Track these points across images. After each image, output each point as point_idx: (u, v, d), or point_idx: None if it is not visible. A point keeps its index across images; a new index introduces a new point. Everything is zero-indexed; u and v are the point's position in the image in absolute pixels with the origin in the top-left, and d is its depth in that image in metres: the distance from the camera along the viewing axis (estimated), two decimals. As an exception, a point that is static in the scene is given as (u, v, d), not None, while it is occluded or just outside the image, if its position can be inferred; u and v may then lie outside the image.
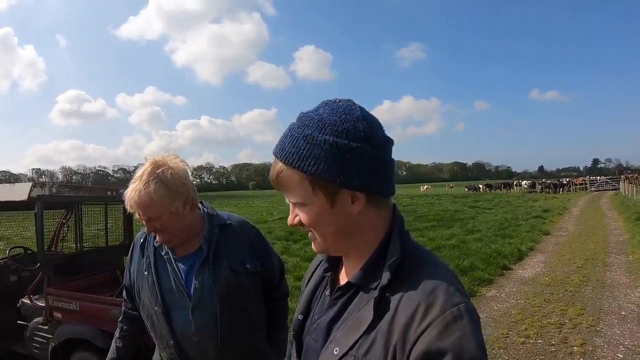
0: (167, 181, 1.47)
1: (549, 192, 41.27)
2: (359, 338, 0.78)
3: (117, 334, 1.85)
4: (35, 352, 3.39)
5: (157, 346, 1.71)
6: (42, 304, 3.32)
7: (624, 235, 11.42)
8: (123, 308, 1.86)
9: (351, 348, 0.78)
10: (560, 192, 41.35)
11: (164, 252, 1.65)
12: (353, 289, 0.85)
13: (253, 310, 1.72)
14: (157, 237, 1.59)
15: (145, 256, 1.67)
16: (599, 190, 42.75)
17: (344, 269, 0.93)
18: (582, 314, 5.15)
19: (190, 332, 1.59)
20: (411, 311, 0.73)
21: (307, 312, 0.97)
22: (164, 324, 1.60)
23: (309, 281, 1.05)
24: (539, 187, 46.20)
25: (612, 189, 41.67)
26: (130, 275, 1.74)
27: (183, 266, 1.63)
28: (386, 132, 0.84)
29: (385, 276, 0.78)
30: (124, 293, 1.84)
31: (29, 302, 3.45)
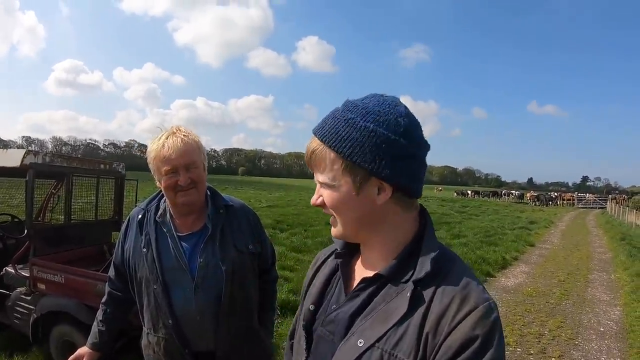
0: (198, 137, 1.59)
1: (536, 205, 41.71)
2: (388, 330, 0.78)
3: (99, 316, 1.77)
4: (15, 322, 3.35)
5: (146, 329, 1.65)
6: (26, 274, 3.28)
7: (608, 253, 11.57)
8: (108, 289, 1.78)
9: (378, 340, 0.78)
10: (549, 206, 41.80)
11: (166, 228, 1.61)
12: (380, 281, 0.84)
13: (252, 290, 1.73)
14: (186, 196, 1.54)
15: (144, 232, 1.63)
16: (586, 208, 43.27)
17: (359, 260, 0.93)
18: (561, 327, 5.22)
19: (191, 312, 1.57)
20: (446, 303, 0.75)
21: (319, 303, 0.96)
22: (164, 303, 1.56)
23: (316, 272, 1.04)
24: (529, 200, 46.61)
25: (599, 208, 42.22)
26: (124, 252, 1.68)
27: (186, 244, 1.61)
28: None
29: (424, 269, 0.79)
30: (112, 272, 1.77)
31: (12, 271, 3.40)
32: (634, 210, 22.58)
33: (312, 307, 0.95)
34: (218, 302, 1.58)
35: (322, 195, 0.85)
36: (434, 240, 0.85)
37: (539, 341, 4.72)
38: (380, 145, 0.78)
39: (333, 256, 1.01)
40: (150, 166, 1.56)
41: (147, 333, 1.64)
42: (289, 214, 15.92)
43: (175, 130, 1.55)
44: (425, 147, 0.84)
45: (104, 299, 1.79)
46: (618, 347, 4.70)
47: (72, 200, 4.08)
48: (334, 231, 0.88)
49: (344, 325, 0.85)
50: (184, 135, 1.53)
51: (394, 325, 0.77)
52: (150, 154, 1.54)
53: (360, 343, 0.79)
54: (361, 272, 0.90)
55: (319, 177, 0.84)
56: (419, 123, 0.84)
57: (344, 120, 0.80)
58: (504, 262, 9.17)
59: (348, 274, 0.93)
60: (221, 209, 1.67)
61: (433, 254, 0.81)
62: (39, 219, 4.20)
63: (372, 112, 0.79)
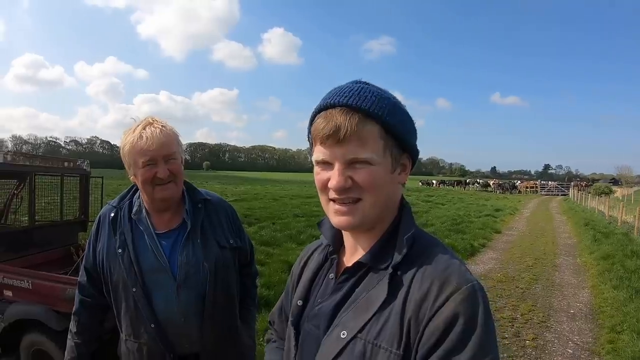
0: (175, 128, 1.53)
1: (500, 193, 43.08)
2: (370, 319, 0.76)
3: (73, 328, 1.62)
4: None
5: (125, 335, 1.54)
6: (-10, 281, 3.08)
7: (572, 239, 12.06)
8: (79, 297, 1.62)
9: (360, 331, 0.76)
10: (512, 193, 43.20)
11: (142, 226, 1.52)
12: (362, 270, 0.83)
13: (234, 287, 1.67)
14: (164, 190, 1.46)
15: (118, 232, 1.52)
16: (549, 195, 44.97)
17: (347, 252, 0.91)
18: (533, 310, 5.39)
19: (174, 313, 1.49)
20: (426, 287, 0.74)
21: (306, 298, 0.94)
22: (145, 306, 1.47)
23: (302, 268, 1.02)
24: (492, 187, 48.03)
25: (561, 195, 43.95)
26: (96, 255, 1.56)
27: (165, 242, 1.52)
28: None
29: (401, 253, 0.78)
30: (82, 277, 1.62)
31: (-26, 278, 3.19)
32: (596, 197, 23.63)
33: (299, 303, 0.94)
34: (201, 301, 1.52)
35: (353, 175, 0.77)
36: (410, 223, 0.84)
37: (512, 325, 4.86)
38: (413, 125, 0.84)
39: (319, 251, 0.99)
40: (125, 159, 1.47)
41: (126, 340, 1.54)
42: (256, 208, 15.83)
43: (151, 121, 1.46)
44: None
45: (75, 309, 1.64)
46: (589, 327, 4.90)
47: (36, 201, 3.89)
48: (349, 219, 0.79)
49: (327, 318, 0.84)
50: (162, 125, 1.46)
51: (375, 314, 0.76)
52: (125, 147, 1.45)
53: (343, 335, 0.78)
54: (349, 262, 0.88)
55: (361, 154, 0.76)
56: None
57: (385, 97, 0.79)
58: (473, 249, 9.42)
59: (338, 267, 0.92)
60: (199, 203, 1.60)
61: (408, 235, 0.80)
62: (1, 221, 3.99)
63: (394, 96, 0.82)
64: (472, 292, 0.72)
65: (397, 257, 0.78)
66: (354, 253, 0.88)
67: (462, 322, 0.69)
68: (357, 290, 0.81)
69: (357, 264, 0.83)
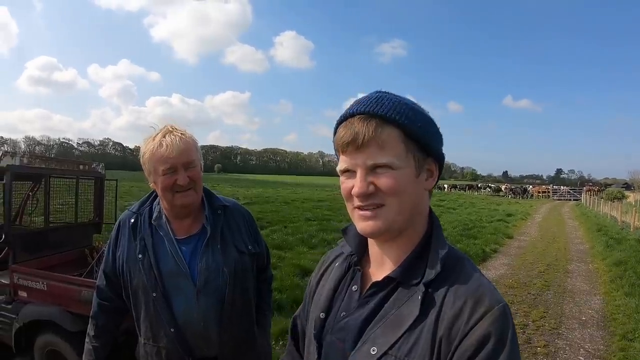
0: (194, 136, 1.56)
1: (514, 197, 42.65)
2: (401, 337, 0.76)
3: (91, 331, 1.65)
4: None
5: (144, 339, 1.57)
6: (6, 281, 3.16)
7: (584, 244, 11.90)
8: (97, 300, 1.65)
9: (391, 347, 0.76)
10: (524, 198, 42.77)
11: (163, 232, 1.55)
12: (391, 285, 0.82)
13: (251, 292, 1.69)
14: (185, 197, 1.49)
15: (138, 238, 1.55)
16: (561, 200, 44.41)
17: (372, 262, 0.90)
18: (544, 317, 5.34)
19: (193, 318, 1.51)
20: (459, 306, 0.74)
21: (328, 310, 0.92)
22: (165, 311, 1.50)
23: (320, 277, 1.01)
24: (504, 192, 47.58)
25: (573, 200, 43.38)
26: (116, 260, 1.59)
27: (185, 248, 1.55)
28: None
29: (435, 270, 0.78)
30: (101, 281, 1.65)
31: (-9, 278, 3.26)
32: (609, 202, 23.30)
33: (322, 315, 0.92)
34: (220, 306, 1.54)
35: (375, 181, 0.78)
36: (442, 238, 0.83)
37: (524, 332, 4.81)
38: (437, 130, 0.85)
39: (340, 260, 0.98)
40: (145, 167, 1.50)
41: (145, 343, 1.56)
42: (267, 211, 15.76)
43: (171, 129, 1.50)
44: None
45: (93, 312, 1.66)
46: (600, 335, 4.84)
47: (50, 203, 3.96)
48: (375, 224, 0.79)
49: (354, 333, 0.83)
50: (181, 133, 1.49)
51: (406, 331, 0.76)
52: (145, 154, 1.48)
53: (374, 351, 0.78)
54: (375, 274, 0.88)
55: (382, 158, 0.77)
56: None
57: (404, 103, 0.80)
58: (484, 254, 9.32)
59: (362, 279, 0.90)
60: (219, 209, 1.63)
61: (443, 253, 0.80)
62: (16, 222, 4.05)
63: (415, 103, 0.83)
64: (502, 312, 0.73)
65: (429, 274, 0.78)
66: (380, 264, 0.87)
67: (494, 342, 0.70)
68: (386, 305, 0.81)
69: (387, 279, 0.82)
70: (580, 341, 4.61)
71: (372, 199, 0.78)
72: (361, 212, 0.80)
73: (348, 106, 0.83)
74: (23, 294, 3.00)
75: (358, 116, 0.79)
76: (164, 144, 1.44)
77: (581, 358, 4.20)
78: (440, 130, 0.86)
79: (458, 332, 0.72)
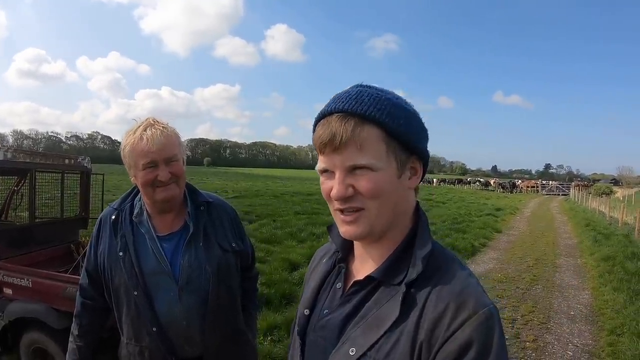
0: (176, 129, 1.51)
1: (503, 192, 43.04)
2: (380, 337, 0.73)
3: (75, 330, 1.61)
4: None
5: (126, 339, 1.53)
6: (-11, 278, 3.08)
7: (573, 239, 12.02)
8: (80, 299, 1.61)
9: (370, 348, 0.74)
10: (513, 193, 43.17)
11: (144, 229, 1.50)
12: (373, 284, 0.80)
13: (236, 290, 1.66)
14: (166, 191, 1.44)
15: (119, 235, 1.50)
16: (550, 195, 44.90)
17: (356, 260, 0.88)
18: (533, 311, 5.38)
19: (176, 317, 1.48)
20: (441, 309, 0.70)
21: (312, 306, 0.90)
22: (147, 310, 1.45)
23: (311, 273, 0.99)
24: (494, 186, 48.00)
25: (562, 194, 43.89)
26: (97, 257, 1.55)
27: (166, 245, 1.50)
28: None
29: (416, 270, 0.75)
30: (84, 280, 1.61)
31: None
32: (597, 197, 23.59)
33: (307, 312, 0.91)
34: (204, 305, 1.50)
35: (354, 183, 0.75)
36: (427, 236, 0.80)
37: (513, 326, 4.85)
38: (421, 123, 0.80)
39: (327, 256, 0.96)
40: (126, 160, 1.45)
41: (127, 343, 1.52)
42: (256, 205, 15.71)
43: (152, 122, 1.44)
44: None
45: (76, 311, 1.63)
46: (589, 329, 4.89)
47: (36, 198, 3.88)
48: (356, 229, 0.77)
49: (335, 332, 0.81)
50: (163, 127, 1.44)
51: (386, 332, 0.73)
52: (126, 148, 1.43)
53: (352, 352, 0.75)
54: (359, 272, 0.85)
55: (361, 159, 0.73)
56: None
57: (385, 99, 0.75)
58: (473, 249, 9.39)
59: (347, 277, 0.88)
60: (202, 206, 1.58)
61: (425, 252, 0.77)
62: (1, 218, 3.98)
63: (399, 96, 0.78)
64: (488, 316, 0.69)
65: (411, 274, 0.75)
66: (364, 262, 0.85)
67: (476, 349, 0.66)
68: (367, 305, 0.78)
69: (368, 278, 0.80)
70: (568, 336, 4.66)
71: (351, 202, 0.75)
72: (342, 217, 0.78)
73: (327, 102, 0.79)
74: (8, 291, 2.94)
75: (336, 114, 0.74)
76: (144, 137, 1.39)
77: (570, 353, 4.24)
78: (428, 125, 0.82)
79: (438, 338, 0.69)
